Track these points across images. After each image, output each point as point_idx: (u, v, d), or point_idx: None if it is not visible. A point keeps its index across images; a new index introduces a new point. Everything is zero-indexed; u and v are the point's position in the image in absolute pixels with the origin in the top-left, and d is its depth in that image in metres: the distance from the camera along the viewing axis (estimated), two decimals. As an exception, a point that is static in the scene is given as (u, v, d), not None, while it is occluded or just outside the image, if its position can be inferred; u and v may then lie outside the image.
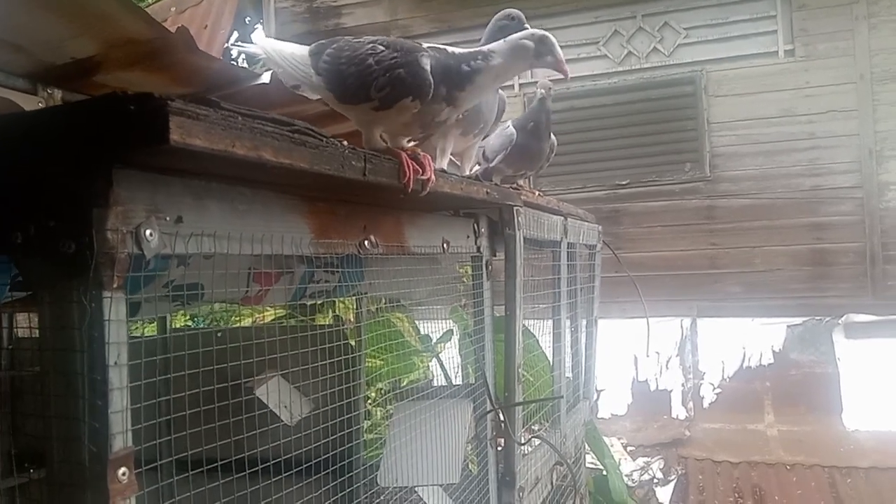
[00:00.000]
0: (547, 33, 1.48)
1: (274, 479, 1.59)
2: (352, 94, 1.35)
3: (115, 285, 0.84)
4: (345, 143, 1.06)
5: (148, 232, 0.87)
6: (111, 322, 0.84)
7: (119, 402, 0.87)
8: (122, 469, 0.86)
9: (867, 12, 5.60)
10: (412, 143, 1.84)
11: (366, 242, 1.38)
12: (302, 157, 0.94)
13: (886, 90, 5.58)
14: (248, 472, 1.48)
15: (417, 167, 1.31)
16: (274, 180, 1.05)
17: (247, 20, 8.24)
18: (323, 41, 1.41)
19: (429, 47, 1.40)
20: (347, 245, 1.31)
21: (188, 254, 0.95)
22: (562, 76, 1.55)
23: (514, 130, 2.40)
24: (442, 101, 1.38)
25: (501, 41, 1.46)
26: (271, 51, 1.46)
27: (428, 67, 1.34)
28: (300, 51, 1.42)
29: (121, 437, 0.87)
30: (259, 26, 7.97)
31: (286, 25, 6.95)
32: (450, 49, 1.43)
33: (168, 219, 0.90)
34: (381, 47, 1.35)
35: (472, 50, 1.46)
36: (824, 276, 5.73)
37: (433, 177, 1.36)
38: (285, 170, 0.93)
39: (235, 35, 8.65)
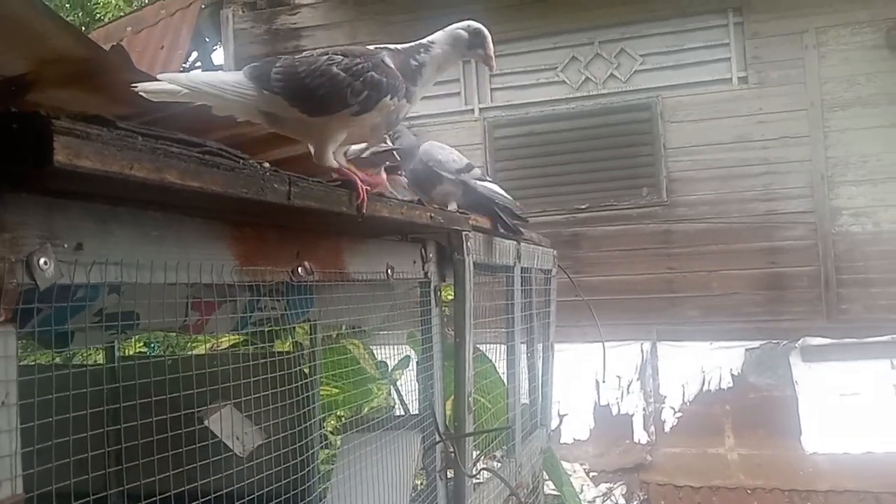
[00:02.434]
0: (482, 27, 1.58)
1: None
2: (326, 105, 1.34)
3: (1, 318, 0.77)
4: (266, 164, 1.01)
5: (42, 260, 0.80)
6: (-3, 359, 0.77)
7: (7, 446, 0.79)
8: (10, 519, 0.79)
9: (816, 41, 5.74)
10: None
11: (299, 269, 1.32)
12: (214, 179, 0.88)
13: (836, 117, 5.70)
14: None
15: (369, 187, 1.27)
16: (190, 204, 0.99)
17: (206, 40, 8.15)
18: (256, 63, 1.37)
19: (377, 48, 1.44)
20: (278, 273, 1.25)
21: (96, 283, 0.89)
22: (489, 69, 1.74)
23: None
24: (404, 97, 1.44)
25: (441, 31, 1.56)
26: (198, 83, 1.30)
27: (393, 66, 1.41)
28: (231, 77, 1.35)
29: (8, 483, 0.80)
30: (218, 47, 7.90)
31: (245, 47, 6.89)
32: (392, 46, 1.48)
33: (66, 246, 0.84)
34: (339, 56, 1.38)
35: (414, 43, 1.52)
36: (780, 299, 5.80)
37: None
38: (196, 193, 0.87)
39: (195, 55, 8.56)
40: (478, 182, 2.45)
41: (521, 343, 2.87)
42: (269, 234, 1.25)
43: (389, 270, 1.75)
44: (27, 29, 1.71)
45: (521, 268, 2.73)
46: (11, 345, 0.79)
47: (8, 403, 0.79)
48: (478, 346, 2.87)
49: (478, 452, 2.74)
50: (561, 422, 5.88)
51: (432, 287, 2.02)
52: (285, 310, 1.97)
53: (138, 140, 0.77)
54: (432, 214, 1.70)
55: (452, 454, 2.05)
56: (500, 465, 2.68)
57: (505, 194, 2.51)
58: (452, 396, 2.20)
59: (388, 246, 1.80)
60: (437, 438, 1.98)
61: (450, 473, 2.11)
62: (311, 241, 1.39)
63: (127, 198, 0.94)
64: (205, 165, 0.87)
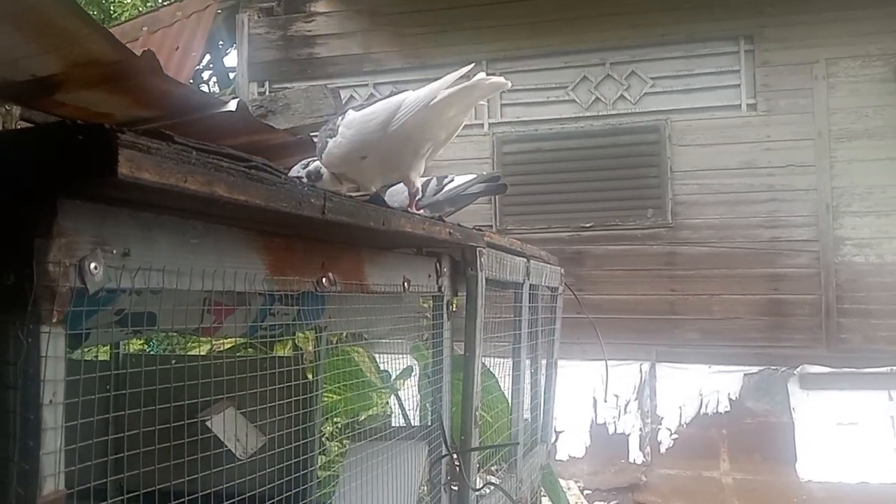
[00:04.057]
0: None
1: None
2: None
3: (54, 320, 0.80)
4: (304, 180, 1.04)
5: (92, 265, 0.83)
6: (48, 359, 0.80)
7: (52, 442, 0.82)
8: (52, 513, 0.82)
9: (826, 73, 5.79)
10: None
11: (324, 280, 1.35)
12: (258, 193, 0.92)
13: (843, 148, 5.75)
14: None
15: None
16: (229, 214, 1.02)
17: (220, 44, 8.22)
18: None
19: None
20: (304, 283, 1.28)
21: (135, 288, 0.92)
22: None
23: None
24: None
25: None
26: None
27: None
28: None
29: (52, 479, 0.82)
30: (231, 50, 7.96)
31: (259, 52, 6.95)
32: None
33: (115, 252, 0.87)
34: None
35: None
36: (780, 326, 5.83)
37: None
38: (240, 206, 0.90)
39: (207, 58, 8.62)
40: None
41: (527, 359, 2.90)
42: (297, 244, 1.28)
43: (406, 283, 1.78)
44: (63, 31, 1.74)
45: (530, 284, 2.76)
46: (61, 345, 0.82)
47: (55, 402, 0.82)
48: (482, 360, 2.89)
49: (478, 467, 2.76)
50: (557, 438, 5.89)
51: (445, 301, 2.05)
52: (296, 316, 2.00)
53: (192, 154, 0.81)
54: (451, 231, 1.73)
55: (458, 467, 2.07)
56: (499, 480, 2.70)
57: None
58: (454, 409, 2.23)
59: (404, 259, 1.83)
60: (445, 451, 2.00)
61: (454, 486, 2.13)
62: (334, 252, 1.42)
63: (170, 206, 0.97)
64: (250, 180, 0.90)
